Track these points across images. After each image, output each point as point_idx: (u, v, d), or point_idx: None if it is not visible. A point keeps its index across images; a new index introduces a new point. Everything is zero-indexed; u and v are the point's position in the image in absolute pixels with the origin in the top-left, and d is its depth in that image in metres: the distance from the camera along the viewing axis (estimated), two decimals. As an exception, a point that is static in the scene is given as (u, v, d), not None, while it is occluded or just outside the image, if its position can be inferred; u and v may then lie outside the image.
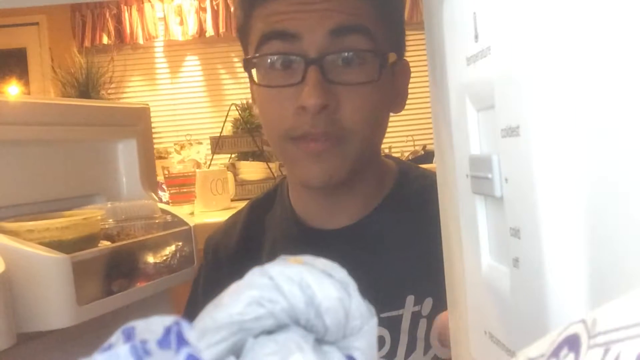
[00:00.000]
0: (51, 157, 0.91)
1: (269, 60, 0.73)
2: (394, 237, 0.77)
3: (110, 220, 0.92)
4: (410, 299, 0.75)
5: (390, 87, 0.76)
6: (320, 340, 0.22)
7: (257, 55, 0.74)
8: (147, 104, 1.18)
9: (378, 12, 0.74)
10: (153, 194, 1.09)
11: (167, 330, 0.20)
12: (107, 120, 1.03)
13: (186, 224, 0.99)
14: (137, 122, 1.08)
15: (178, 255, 0.96)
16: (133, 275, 0.89)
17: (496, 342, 0.32)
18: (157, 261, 0.93)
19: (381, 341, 0.75)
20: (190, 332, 0.20)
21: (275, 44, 0.72)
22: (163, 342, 0.19)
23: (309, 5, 0.71)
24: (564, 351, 0.17)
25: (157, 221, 0.99)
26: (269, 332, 0.22)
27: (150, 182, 1.11)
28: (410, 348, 0.74)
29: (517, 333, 0.29)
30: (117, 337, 0.20)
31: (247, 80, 0.80)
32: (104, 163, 1.03)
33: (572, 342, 0.17)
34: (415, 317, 0.75)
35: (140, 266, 0.91)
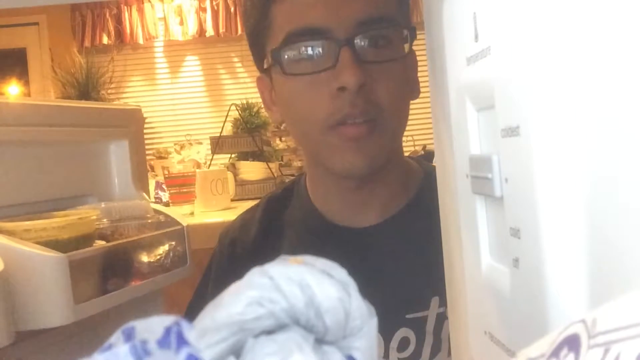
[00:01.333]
0: (43, 158, 0.91)
1: (297, 50, 0.73)
2: (420, 238, 0.77)
3: (105, 220, 0.92)
4: (435, 301, 0.75)
5: (409, 71, 0.77)
6: (320, 340, 0.22)
7: (287, 44, 0.72)
8: (139, 106, 1.19)
9: None
10: (145, 195, 1.09)
11: (167, 330, 0.20)
12: (99, 121, 1.03)
13: (179, 223, 0.99)
14: (129, 124, 1.08)
15: (171, 254, 0.97)
16: (128, 274, 0.89)
17: (496, 342, 0.32)
18: (151, 260, 0.93)
19: (406, 342, 0.75)
20: (190, 332, 0.20)
21: (302, 39, 0.72)
22: (163, 342, 0.19)
23: None
24: (564, 351, 0.17)
25: (150, 221, 0.99)
26: (269, 332, 0.22)
27: (142, 182, 1.11)
28: (435, 349, 0.75)
29: (517, 333, 0.29)
30: (117, 337, 0.20)
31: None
32: (96, 164, 1.03)
33: (572, 342, 0.17)
34: (440, 318, 0.75)
35: (135, 265, 0.91)
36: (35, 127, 0.88)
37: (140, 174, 1.10)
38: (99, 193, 1.02)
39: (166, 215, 1.02)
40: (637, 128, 0.20)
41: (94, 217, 0.85)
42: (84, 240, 0.81)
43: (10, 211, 0.85)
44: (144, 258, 0.93)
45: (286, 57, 0.73)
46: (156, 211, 1.02)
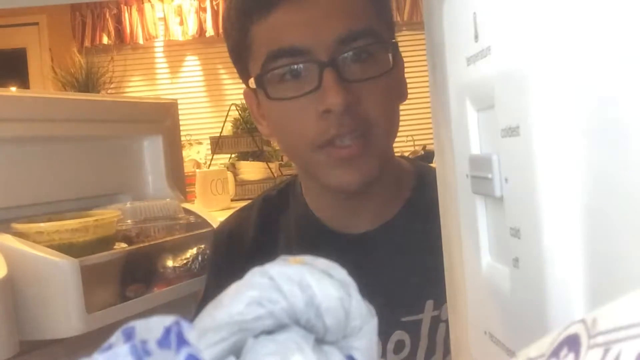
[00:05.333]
0: (75, 155, 0.88)
1: (279, 74, 0.71)
2: (415, 243, 0.76)
3: (129, 221, 0.88)
4: (429, 304, 0.75)
5: (396, 78, 0.76)
6: (320, 340, 0.22)
7: (269, 69, 0.71)
8: (175, 100, 1.14)
9: (375, 6, 0.74)
10: (179, 193, 1.04)
11: (167, 330, 0.20)
12: (132, 116, 0.99)
13: (210, 225, 0.94)
14: (163, 118, 1.04)
15: (200, 258, 0.91)
16: (150, 279, 0.84)
17: (496, 342, 0.32)
18: (177, 265, 0.88)
19: (401, 345, 0.75)
20: (190, 332, 0.20)
21: (283, 61, 0.71)
22: (163, 342, 0.19)
23: (310, 11, 0.70)
24: (564, 351, 0.17)
25: (180, 222, 0.94)
26: (269, 332, 0.22)
27: (177, 180, 1.06)
28: (430, 352, 0.75)
29: (517, 333, 0.29)
30: (117, 337, 0.20)
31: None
32: (129, 160, 0.99)
33: (572, 342, 0.17)
34: (435, 321, 0.75)
35: (159, 270, 0.86)
36: (65, 123, 0.85)
37: (175, 171, 1.05)
38: (133, 191, 0.98)
39: (197, 216, 0.97)
40: (637, 128, 0.20)
41: (114, 218, 0.80)
42: (102, 243, 0.76)
43: (41, 209, 0.81)
44: (169, 262, 0.87)
45: (269, 81, 0.72)
46: (186, 211, 0.97)
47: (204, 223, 0.96)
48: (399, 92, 0.78)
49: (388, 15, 0.77)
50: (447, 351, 0.75)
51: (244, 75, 0.79)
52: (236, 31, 0.76)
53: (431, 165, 0.89)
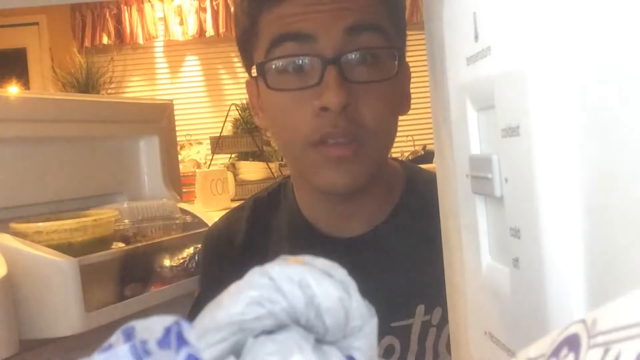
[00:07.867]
0: (71, 155, 0.88)
1: (282, 64, 0.71)
2: (405, 247, 0.76)
3: (126, 220, 0.89)
4: (420, 309, 0.75)
5: (399, 88, 0.75)
6: (320, 340, 0.22)
7: (273, 57, 0.71)
8: (171, 100, 1.15)
9: (387, 9, 0.74)
10: (175, 193, 1.04)
11: (167, 330, 0.20)
12: (128, 116, 0.99)
13: (206, 225, 0.95)
14: (159, 119, 1.04)
15: (197, 258, 0.92)
16: (148, 279, 0.84)
17: (496, 342, 0.32)
18: (174, 264, 0.89)
19: (391, 350, 0.75)
20: (190, 332, 0.20)
21: (288, 46, 0.70)
22: (163, 342, 0.19)
23: (322, 5, 0.70)
24: (564, 351, 0.17)
25: (176, 222, 0.95)
26: (269, 332, 0.22)
27: (173, 180, 1.07)
28: (419, 357, 0.75)
29: (517, 333, 0.29)
30: (116, 337, 0.20)
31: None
32: (126, 161, 1.00)
33: (572, 342, 0.17)
34: (425, 326, 0.75)
35: (156, 269, 0.86)
36: (61, 123, 0.85)
37: (171, 171, 1.05)
38: (129, 191, 0.98)
39: (193, 216, 0.97)
40: (637, 128, 0.20)
41: (112, 218, 0.81)
42: (100, 242, 0.77)
43: (38, 209, 0.81)
44: (166, 262, 0.88)
45: (271, 71, 0.72)
46: (183, 211, 0.98)
47: (201, 223, 0.97)
48: (400, 102, 0.77)
49: (399, 19, 0.76)
50: (436, 356, 0.75)
51: (248, 64, 0.78)
52: (246, 17, 0.76)
53: (428, 165, 0.89)
